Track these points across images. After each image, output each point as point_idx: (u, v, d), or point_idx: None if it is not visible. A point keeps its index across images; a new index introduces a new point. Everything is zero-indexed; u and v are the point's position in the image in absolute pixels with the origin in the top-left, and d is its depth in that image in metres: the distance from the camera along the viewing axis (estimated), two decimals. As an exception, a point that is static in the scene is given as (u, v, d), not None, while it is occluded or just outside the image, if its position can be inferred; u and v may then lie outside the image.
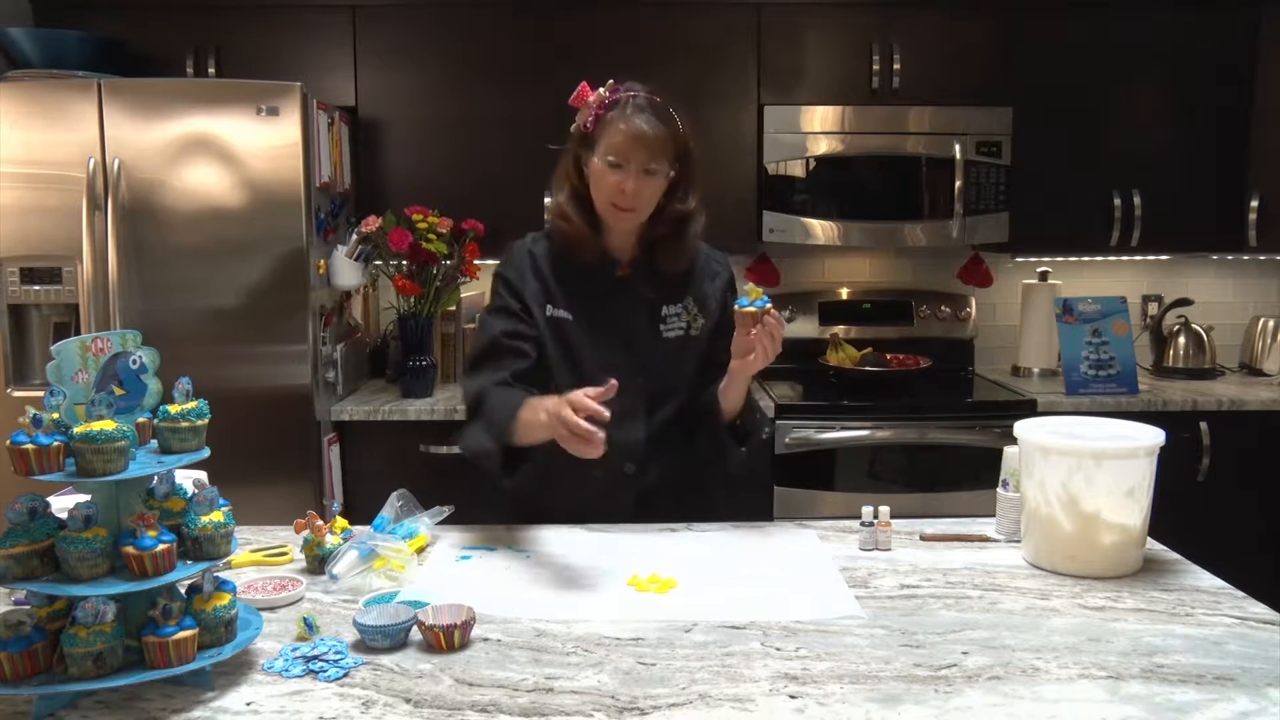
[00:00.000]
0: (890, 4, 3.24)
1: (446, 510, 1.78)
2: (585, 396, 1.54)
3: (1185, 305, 3.53)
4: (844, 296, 3.63)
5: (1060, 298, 3.30)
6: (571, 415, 1.51)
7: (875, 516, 1.73)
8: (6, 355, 2.82)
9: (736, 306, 1.69)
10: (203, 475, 1.65)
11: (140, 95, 2.76)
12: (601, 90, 1.83)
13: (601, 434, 1.50)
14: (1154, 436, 1.59)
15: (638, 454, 1.88)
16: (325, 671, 1.25)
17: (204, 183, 2.77)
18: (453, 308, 3.29)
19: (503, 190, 3.25)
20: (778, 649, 1.32)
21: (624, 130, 1.76)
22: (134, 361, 1.29)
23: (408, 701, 1.19)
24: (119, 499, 1.24)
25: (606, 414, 1.52)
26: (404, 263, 3.10)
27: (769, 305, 1.68)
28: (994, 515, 1.80)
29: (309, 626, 1.36)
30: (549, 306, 1.88)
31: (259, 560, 1.68)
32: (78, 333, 2.76)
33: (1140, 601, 1.48)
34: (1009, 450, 1.75)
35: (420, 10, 3.22)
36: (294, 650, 1.31)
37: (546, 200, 3.21)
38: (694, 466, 1.96)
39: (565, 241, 1.89)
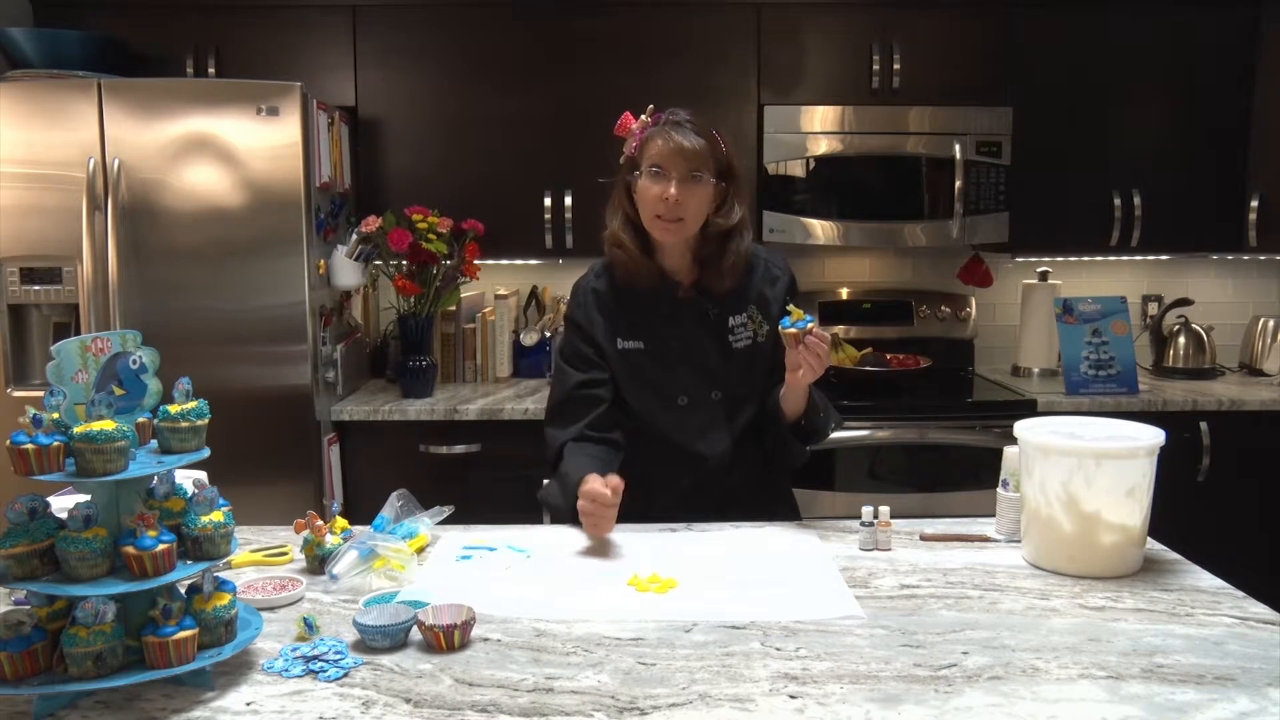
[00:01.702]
0: (890, 4, 3.24)
1: (446, 510, 1.78)
2: (595, 488, 1.69)
3: (1185, 305, 3.53)
4: (844, 296, 3.62)
5: (1060, 298, 3.30)
6: (585, 504, 1.70)
7: (875, 516, 1.73)
8: (6, 355, 2.82)
9: (780, 327, 1.77)
10: (203, 475, 1.65)
11: (140, 95, 2.76)
12: (644, 116, 1.90)
13: (609, 514, 1.70)
14: (1154, 436, 1.59)
15: (725, 464, 1.94)
16: (325, 671, 1.25)
17: (204, 183, 2.77)
18: (453, 308, 3.29)
19: (503, 190, 3.25)
20: (778, 649, 1.32)
21: (662, 144, 1.83)
22: (134, 361, 1.29)
23: (408, 701, 1.19)
24: (119, 499, 1.24)
25: (611, 498, 1.69)
26: (404, 263, 3.10)
27: (811, 325, 1.75)
28: (994, 515, 1.80)
29: (309, 626, 1.36)
30: (619, 340, 1.93)
31: (259, 560, 1.68)
32: (78, 333, 2.76)
33: (1140, 601, 1.48)
34: (1009, 450, 1.75)
35: (420, 10, 3.22)
36: (294, 650, 1.31)
37: (547, 201, 3.23)
38: (766, 466, 2.01)
39: (623, 269, 1.93)
